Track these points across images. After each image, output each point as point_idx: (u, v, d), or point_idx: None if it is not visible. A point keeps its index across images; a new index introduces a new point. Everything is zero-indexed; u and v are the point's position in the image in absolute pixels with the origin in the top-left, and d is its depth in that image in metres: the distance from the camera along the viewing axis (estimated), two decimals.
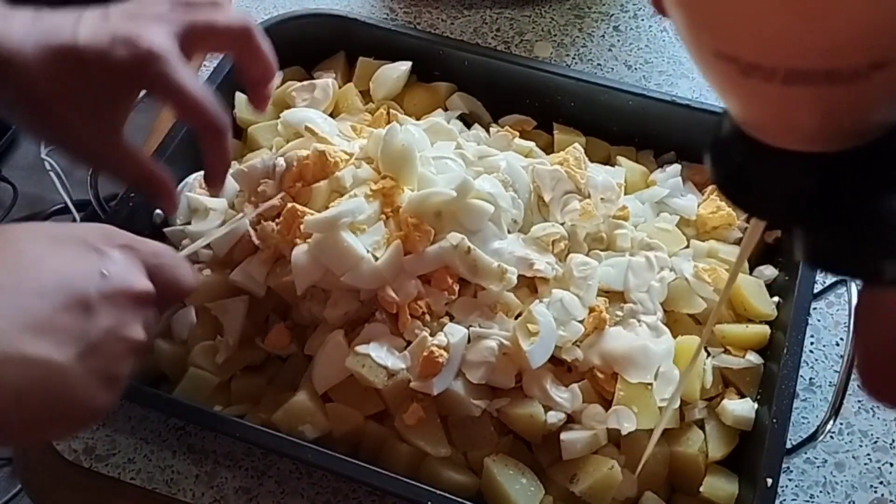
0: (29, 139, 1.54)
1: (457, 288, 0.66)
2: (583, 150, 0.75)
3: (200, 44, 0.62)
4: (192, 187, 0.75)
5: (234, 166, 0.74)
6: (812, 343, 0.74)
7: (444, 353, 0.62)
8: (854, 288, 0.65)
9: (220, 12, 0.63)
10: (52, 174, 1.44)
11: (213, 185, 0.67)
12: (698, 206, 0.76)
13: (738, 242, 0.75)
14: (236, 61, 0.65)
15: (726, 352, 0.68)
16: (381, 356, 0.63)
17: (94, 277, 0.44)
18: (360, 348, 0.63)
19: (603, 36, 0.96)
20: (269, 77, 0.67)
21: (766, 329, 0.68)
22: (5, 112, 0.59)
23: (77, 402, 0.43)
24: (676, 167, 0.78)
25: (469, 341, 0.64)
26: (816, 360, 0.73)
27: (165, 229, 0.75)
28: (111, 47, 0.57)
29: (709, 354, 0.68)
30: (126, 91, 0.59)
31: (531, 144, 0.78)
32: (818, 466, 0.68)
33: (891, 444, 0.69)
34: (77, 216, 1.33)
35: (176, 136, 0.76)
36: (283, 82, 0.83)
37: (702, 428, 0.65)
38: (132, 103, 0.61)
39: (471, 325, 0.65)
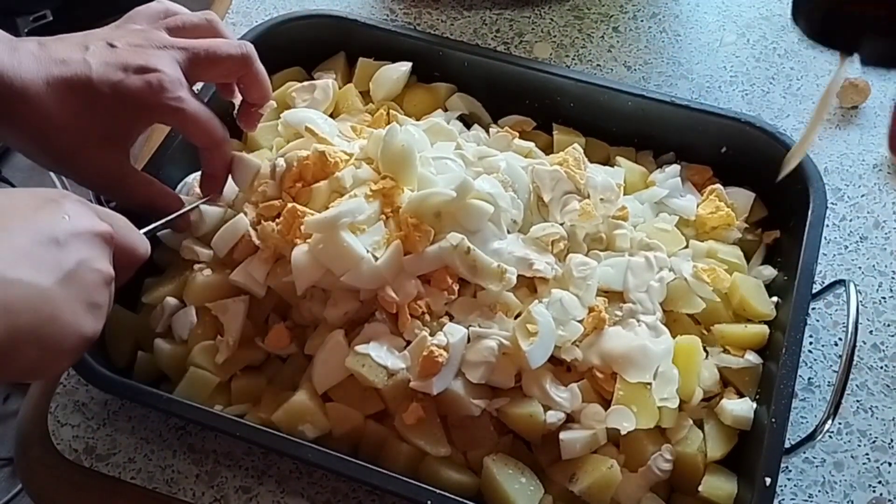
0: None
1: (456, 288, 0.66)
2: (582, 151, 0.75)
3: (203, 72, 0.65)
4: (191, 188, 0.75)
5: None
6: (811, 343, 0.74)
7: (444, 353, 0.62)
8: (853, 288, 0.65)
9: (220, 40, 0.66)
10: (51, 175, 1.45)
11: (211, 191, 0.69)
12: (697, 206, 0.76)
13: (737, 243, 0.75)
14: (237, 84, 0.69)
15: (725, 351, 0.68)
16: (381, 356, 0.63)
17: (57, 220, 0.49)
18: (360, 348, 0.63)
19: (602, 37, 0.97)
20: (265, 100, 0.71)
21: (765, 329, 0.68)
22: (15, 145, 0.61)
23: (64, 325, 0.47)
24: (675, 167, 0.78)
25: (469, 341, 0.64)
26: (815, 360, 0.73)
27: (161, 232, 0.74)
28: (125, 78, 0.59)
29: (708, 354, 0.68)
30: (137, 119, 0.62)
31: (531, 145, 0.78)
32: (817, 466, 0.68)
33: (889, 444, 0.69)
34: None
35: (176, 136, 0.76)
36: (284, 83, 0.83)
37: (701, 427, 0.65)
38: (142, 131, 0.64)
39: (470, 325, 0.65)
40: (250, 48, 0.67)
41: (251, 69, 0.67)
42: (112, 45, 0.61)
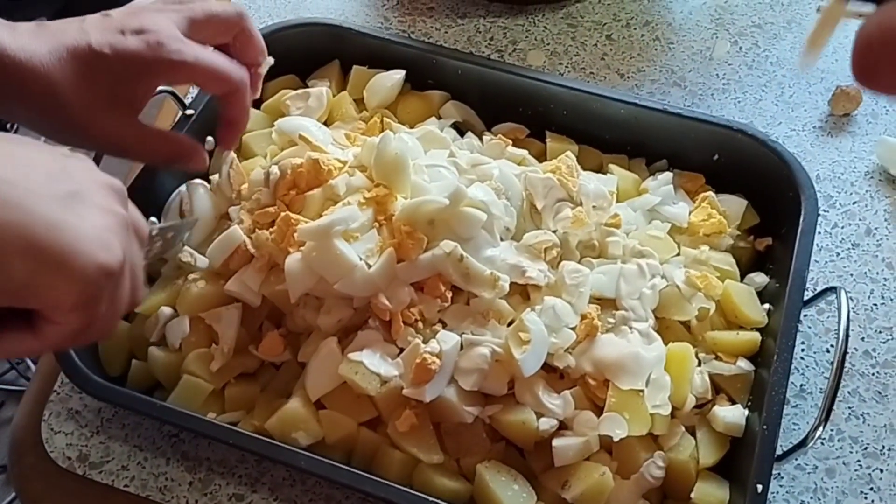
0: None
1: (449, 295, 0.66)
2: (575, 159, 0.75)
3: (201, 30, 0.65)
4: (188, 192, 0.75)
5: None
6: (802, 350, 0.74)
7: (437, 360, 0.62)
8: (844, 295, 0.66)
9: (215, 3, 0.66)
10: None
11: (230, 139, 0.71)
12: (689, 213, 0.76)
13: (729, 250, 0.75)
14: (232, 47, 0.69)
15: (717, 358, 0.68)
16: (374, 363, 0.63)
17: (73, 163, 0.47)
18: (353, 355, 0.63)
19: (596, 45, 0.97)
20: (260, 58, 0.71)
21: (757, 336, 0.69)
22: (24, 120, 0.61)
23: (55, 230, 0.42)
24: (668, 175, 0.78)
25: (462, 348, 0.64)
26: (807, 366, 0.73)
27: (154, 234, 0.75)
28: (123, 39, 0.59)
29: (700, 361, 0.68)
30: (140, 79, 0.62)
31: (524, 152, 0.78)
32: (809, 473, 0.68)
33: (881, 451, 0.69)
34: None
35: None
36: (278, 90, 0.84)
37: (693, 434, 0.65)
38: (150, 91, 0.63)
39: (463, 333, 0.65)
40: (244, 10, 0.68)
41: (245, 28, 0.68)
42: (107, 15, 0.61)
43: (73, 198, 0.44)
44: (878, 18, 0.35)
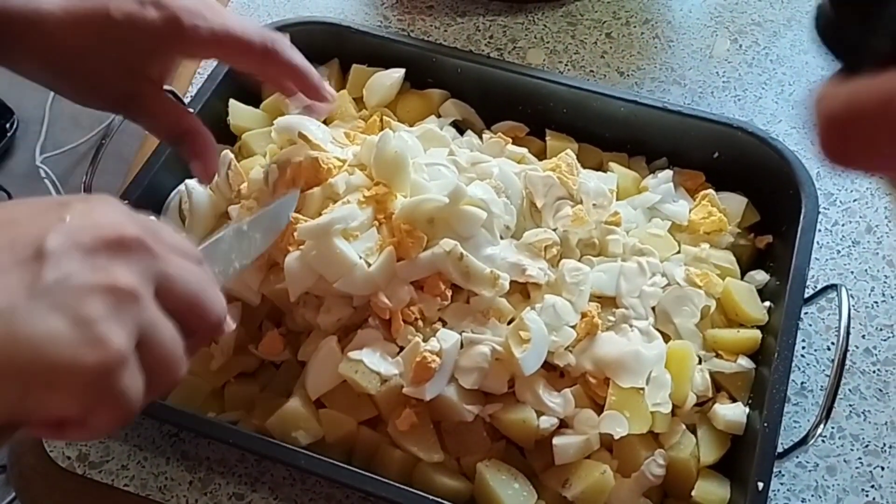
0: (27, 146, 1.55)
1: (449, 294, 0.66)
2: (575, 157, 0.75)
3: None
4: (186, 193, 0.75)
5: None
6: (803, 348, 0.74)
7: (437, 359, 0.62)
8: (845, 292, 0.66)
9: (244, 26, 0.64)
10: (46, 181, 1.45)
11: (311, 96, 0.70)
12: (690, 211, 0.76)
13: (729, 248, 0.75)
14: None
15: (718, 356, 0.68)
16: (374, 362, 0.63)
17: (51, 225, 0.36)
18: (353, 354, 0.63)
19: (595, 43, 0.97)
20: (312, 82, 0.70)
21: (758, 334, 0.69)
22: (38, 77, 0.61)
23: (35, 344, 0.34)
24: (668, 173, 0.78)
25: (462, 347, 0.64)
26: (807, 364, 0.73)
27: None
28: (141, 9, 0.59)
29: (700, 359, 0.68)
30: (162, 48, 0.61)
31: (524, 151, 0.78)
32: (809, 470, 0.68)
33: (881, 448, 0.69)
34: None
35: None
36: None
37: (693, 432, 0.65)
38: (172, 62, 0.63)
39: (463, 331, 0.65)
40: (274, 35, 0.65)
41: (272, 57, 0.64)
42: None
43: (44, 286, 0.35)
44: (847, 94, 0.31)
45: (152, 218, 0.42)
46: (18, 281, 0.34)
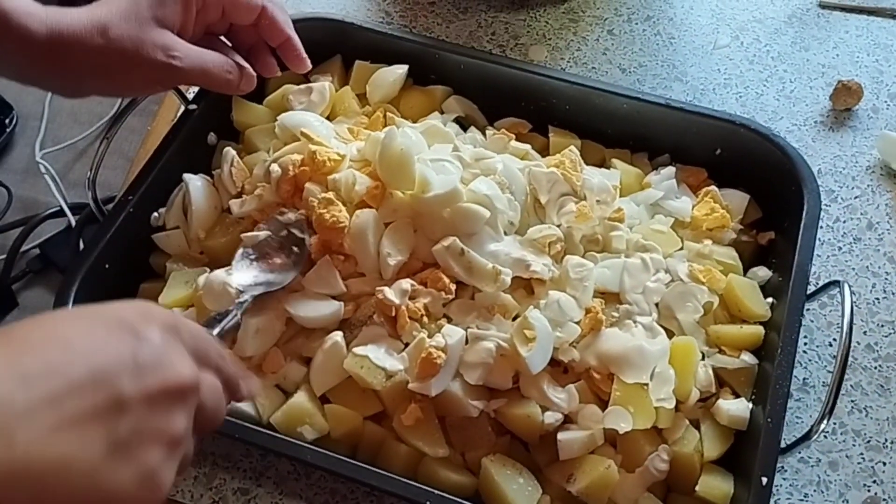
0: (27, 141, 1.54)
1: (454, 288, 0.66)
2: (578, 153, 0.75)
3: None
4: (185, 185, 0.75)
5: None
6: (806, 344, 0.74)
7: (442, 355, 0.62)
8: (847, 288, 0.66)
9: None
10: (46, 177, 1.44)
11: (297, 62, 0.77)
12: (692, 207, 0.76)
13: (732, 244, 0.75)
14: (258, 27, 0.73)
15: (721, 352, 0.68)
16: (380, 357, 0.63)
17: (126, 364, 0.38)
18: (359, 350, 0.63)
19: (597, 39, 0.97)
20: (288, 33, 0.76)
21: (761, 330, 0.69)
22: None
23: (114, 500, 0.37)
24: (671, 169, 0.78)
25: (467, 342, 0.64)
26: (810, 360, 0.73)
27: (154, 235, 0.75)
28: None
29: (704, 355, 0.68)
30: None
31: (527, 147, 0.78)
32: (812, 466, 0.68)
33: (883, 444, 0.69)
34: (72, 219, 1.33)
35: (174, 137, 0.76)
36: (280, 85, 0.83)
37: (697, 428, 0.65)
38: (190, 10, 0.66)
39: (468, 327, 0.65)
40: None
41: (266, 10, 0.72)
42: None
43: (119, 440, 0.37)
44: None
45: (196, 326, 0.45)
46: (100, 437, 0.37)
